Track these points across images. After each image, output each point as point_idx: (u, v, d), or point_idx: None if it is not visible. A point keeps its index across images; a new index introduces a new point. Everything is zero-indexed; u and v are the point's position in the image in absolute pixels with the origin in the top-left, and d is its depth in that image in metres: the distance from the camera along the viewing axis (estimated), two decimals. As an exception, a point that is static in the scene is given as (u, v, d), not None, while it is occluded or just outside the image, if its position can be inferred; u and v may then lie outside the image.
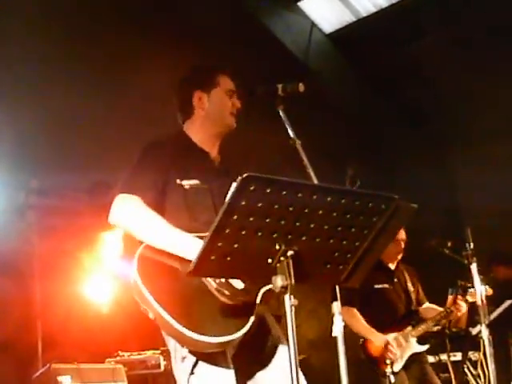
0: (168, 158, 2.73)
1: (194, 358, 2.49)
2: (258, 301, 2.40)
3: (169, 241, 2.47)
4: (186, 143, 2.87)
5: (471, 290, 5.12)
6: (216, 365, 2.48)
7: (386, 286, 5.36)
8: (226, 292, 2.40)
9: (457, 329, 5.42)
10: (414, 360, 5.21)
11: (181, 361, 2.52)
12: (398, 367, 5.10)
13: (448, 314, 5.22)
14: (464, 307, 5.19)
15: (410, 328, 5.23)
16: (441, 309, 5.32)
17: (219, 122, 2.88)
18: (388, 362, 5.06)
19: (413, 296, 5.46)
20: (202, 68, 3.01)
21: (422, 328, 5.24)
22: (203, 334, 2.32)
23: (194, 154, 2.84)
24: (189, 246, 2.41)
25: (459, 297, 5.22)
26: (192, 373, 2.49)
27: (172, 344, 2.56)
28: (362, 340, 5.24)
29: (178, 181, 2.70)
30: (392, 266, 5.47)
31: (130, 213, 2.57)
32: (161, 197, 2.68)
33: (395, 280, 5.45)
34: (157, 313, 2.36)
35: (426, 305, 5.51)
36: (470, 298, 5.20)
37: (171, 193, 2.70)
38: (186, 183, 2.70)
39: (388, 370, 5.00)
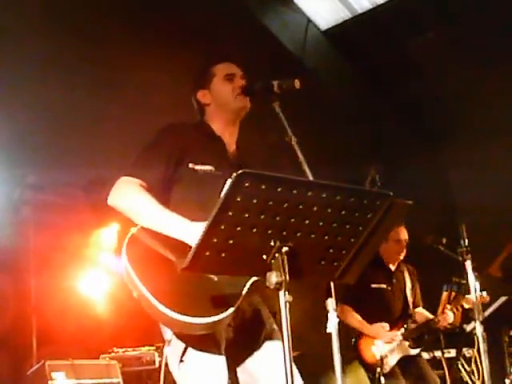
0: (182, 141, 2.76)
1: (182, 345, 2.50)
2: (244, 292, 2.40)
3: (161, 221, 2.50)
4: (205, 130, 2.92)
5: (467, 296, 4.97)
6: (206, 351, 2.50)
7: (384, 286, 5.37)
8: (214, 278, 2.42)
9: (451, 325, 5.45)
10: (410, 360, 5.24)
11: (167, 344, 2.55)
12: (388, 367, 5.13)
13: (434, 324, 5.23)
14: (451, 317, 5.20)
15: (402, 330, 5.25)
16: (430, 316, 5.35)
17: (227, 107, 2.91)
18: (378, 358, 5.09)
19: (410, 299, 5.46)
20: (198, 68, 3.06)
21: (410, 332, 5.25)
22: (183, 314, 2.31)
23: (211, 142, 2.87)
24: (181, 226, 2.44)
25: (447, 306, 5.22)
26: (181, 360, 2.51)
27: (163, 330, 2.57)
28: (353, 340, 5.27)
29: (190, 165, 2.71)
30: (392, 267, 5.46)
31: (125, 195, 2.61)
32: (168, 181, 2.70)
33: (394, 281, 5.45)
34: (140, 293, 2.37)
35: (419, 309, 5.52)
36: (465, 305, 5.15)
37: (182, 177, 2.71)
38: (199, 168, 2.72)
39: (378, 370, 5.03)
